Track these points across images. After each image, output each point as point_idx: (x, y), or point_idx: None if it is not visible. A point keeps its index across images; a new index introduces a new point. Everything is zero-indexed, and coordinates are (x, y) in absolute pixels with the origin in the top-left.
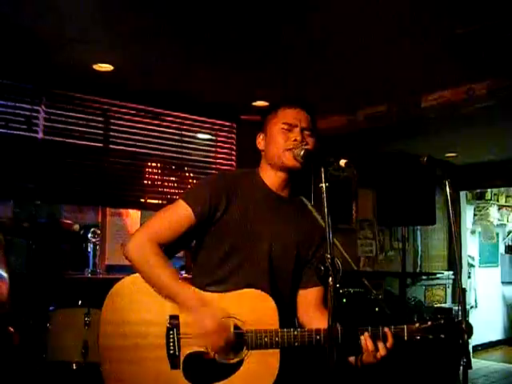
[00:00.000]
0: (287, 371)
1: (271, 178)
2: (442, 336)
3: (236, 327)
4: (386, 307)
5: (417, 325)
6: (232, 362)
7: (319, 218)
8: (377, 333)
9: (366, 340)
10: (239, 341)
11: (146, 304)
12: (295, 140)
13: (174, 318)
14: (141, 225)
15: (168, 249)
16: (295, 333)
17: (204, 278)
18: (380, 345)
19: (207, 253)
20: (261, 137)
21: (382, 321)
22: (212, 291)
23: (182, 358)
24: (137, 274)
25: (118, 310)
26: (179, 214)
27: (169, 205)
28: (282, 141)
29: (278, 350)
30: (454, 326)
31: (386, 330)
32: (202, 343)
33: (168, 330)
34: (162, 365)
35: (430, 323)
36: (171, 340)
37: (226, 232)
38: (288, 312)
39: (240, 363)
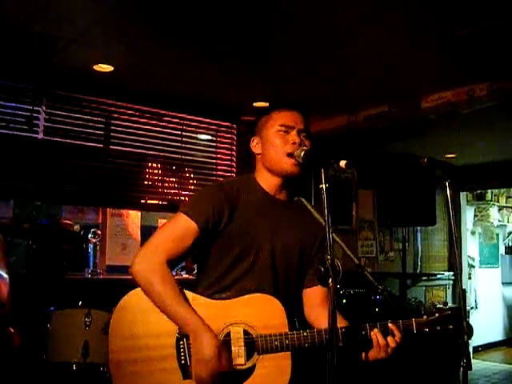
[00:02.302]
0: (300, 373)
1: (268, 181)
2: (450, 327)
3: (246, 333)
4: (392, 301)
5: (424, 317)
6: (244, 367)
7: (319, 218)
8: (386, 327)
9: (376, 335)
10: (250, 346)
11: (154, 316)
12: (294, 143)
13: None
14: (141, 226)
15: (171, 262)
16: (305, 334)
17: (211, 287)
18: (390, 339)
19: (212, 263)
20: (255, 141)
21: (384, 320)
22: (219, 299)
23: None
24: None
25: (126, 323)
26: (183, 229)
27: (170, 220)
28: (281, 144)
29: (289, 353)
30: (459, 317)
31: (395, 324)
32: (196, 368)
33: (177, 340)
34: (174, 376)
35: (437, 315)
36: (182, 350)
37: (230, 241)
38: (294, 311)
39: (252, 368)
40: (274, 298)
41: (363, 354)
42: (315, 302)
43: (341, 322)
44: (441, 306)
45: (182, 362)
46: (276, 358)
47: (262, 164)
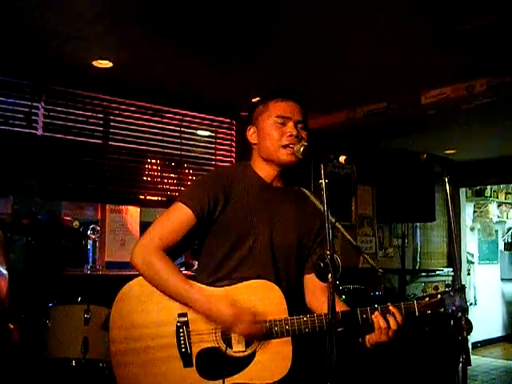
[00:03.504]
0: (301, 358)
1: (265, 170)
2: (454, 308)
3: None
4: (390, 284)
5: (426, 299)
6: (244, 354)
7: (318, 204)
8: (387, 310)
9: (377, 318)
10: None
11: (154, 305)
12: (291, 135)
13: (182, 315)
14: (140, 222)
15: (171, 252)
16: (304, 319)
17: (210, 276)
18: (391, 321)
19: (210, 252)
20: (251, 130)
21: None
22: (219, 287)
23: (194, 356)
24: (141, 277)
25: (127, 313)
26: (180, 217)
27: (168, 209)
28: (278, 136)
29: (289, 338)
30: (462, 293)
31: (396, 307)
32: (225, 335)
33: (177, 328)
34: (175, 364)
35: (439, 296)
36: (182, 338)
37: (227, 229)
38: (295, 299)
39: (253, 355)
40: (273, 284)
41: (365, 339)
42: (317, 287)
43: (342, 308)
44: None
45: (183, 350)
46: (276, 344)
47: (258, 154)
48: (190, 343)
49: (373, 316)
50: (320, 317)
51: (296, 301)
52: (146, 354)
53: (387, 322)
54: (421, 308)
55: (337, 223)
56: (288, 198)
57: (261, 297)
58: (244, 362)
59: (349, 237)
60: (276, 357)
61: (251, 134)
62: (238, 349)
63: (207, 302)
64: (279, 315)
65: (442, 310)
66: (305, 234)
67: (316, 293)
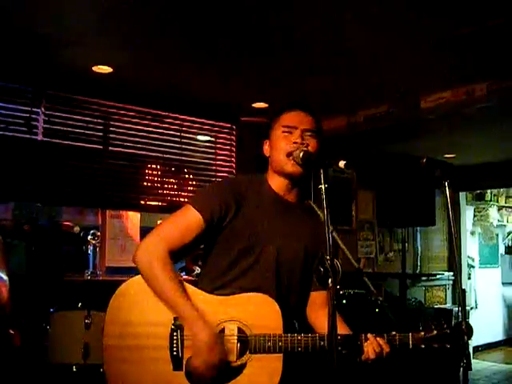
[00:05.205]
0: (290, 375)
1: (277, 183)
2: (448, 346)
3: (240, 331)
4: (389, 312)
5: (422, 333)
6: (235, 365)
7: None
8: (379, 341)
9: (367, 348)
10: (243, 344)
11: (151, 305)
12: (295, 142)
13: (178, 319)
14: (141, 227)
15: (175, 254)
16: (299, 338)
17: (212, 283)
18: (379, 352)
19: (216, 258)
20: (267, 144)
21: (383, 323)
22: (218, 295)
23: (184, 360)
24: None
25: (123, 310)
26: (189, 221)
27: (177, 211)
28: (284, 145)
29: (281, 355)
30: (459, 334)
31: (388, 342)
32: (192, 359)
33: (172, 331)
34: (165, 366)
35: (435, 332)
36: (175, 341)
37: (235, 237)
38: (295, 315)
39: (243, 366)
40: (272, 299)
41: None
42: (317, 304)
43: (341, 327)
44: (440, 306)
45: (174, 353)
46: (267, 359)
47: (271, 166)
48: (182, 347)
49: (365, 344)
50: (314, 337)
51: (295, 316)
52: (138, 352)
53: (376, 351)
54: (415, 342)
55: (339, 241)
56: (299, 213)
57: (258, 310)
58: (233, 372)
59: (351, 258)
60: (266, 371)
61: (266, 148)
62: (229, 358)
63: (193, 321)
64: (274, 331)
65: (436, 346)
66: (312, 252)
67: (317, 309)
